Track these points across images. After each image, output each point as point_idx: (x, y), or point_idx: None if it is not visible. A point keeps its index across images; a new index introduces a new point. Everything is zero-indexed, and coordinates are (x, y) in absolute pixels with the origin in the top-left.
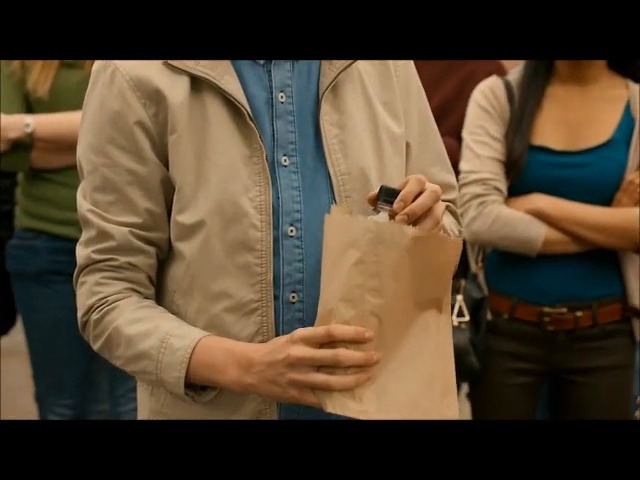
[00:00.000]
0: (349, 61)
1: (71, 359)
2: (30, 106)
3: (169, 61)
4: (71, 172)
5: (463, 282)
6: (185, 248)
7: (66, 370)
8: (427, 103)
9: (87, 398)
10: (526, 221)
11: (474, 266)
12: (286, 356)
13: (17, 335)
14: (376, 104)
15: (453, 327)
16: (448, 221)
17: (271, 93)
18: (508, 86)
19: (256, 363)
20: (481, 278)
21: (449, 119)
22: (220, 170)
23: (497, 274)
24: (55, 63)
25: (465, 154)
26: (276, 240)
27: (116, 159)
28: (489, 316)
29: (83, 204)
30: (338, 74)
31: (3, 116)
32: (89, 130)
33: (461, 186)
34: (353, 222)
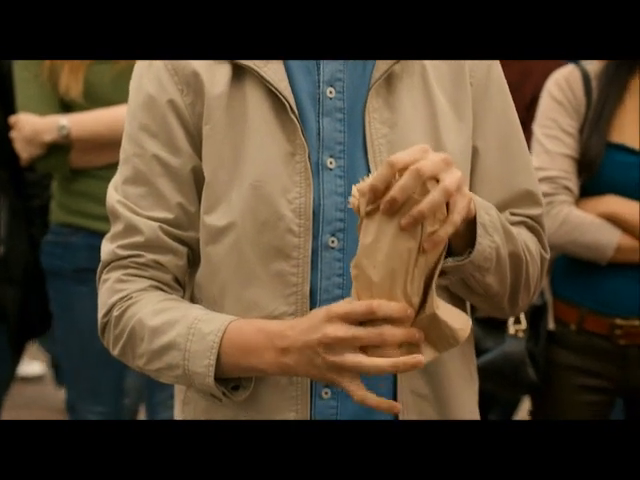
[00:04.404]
0: None
1: (108, 362)
2: (66, 106)
3: None
4: (114, 167)
5: None
6: (213, 252)
7: (102, 374)
8: (512, 110)
9: (122, 405)
10: (597, 225)
11: None
12: (322, 336)
13: None
14: (439, 101)
15: (509, 335)
16: (523, 237)
17: (319, 87)
18: (586, 77)
19: (291, 342)
20: (544, 283)
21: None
22: (257, 167)
23: (565, 281)
24: (84, 62)
25: (534, 149)
26: (314, 251)
27: (147, 148)
28: (551, 325)
29: (113, 195)
30: (391, 66)
31: (37, 118)
32: (127, 117)
33: None
34: None
